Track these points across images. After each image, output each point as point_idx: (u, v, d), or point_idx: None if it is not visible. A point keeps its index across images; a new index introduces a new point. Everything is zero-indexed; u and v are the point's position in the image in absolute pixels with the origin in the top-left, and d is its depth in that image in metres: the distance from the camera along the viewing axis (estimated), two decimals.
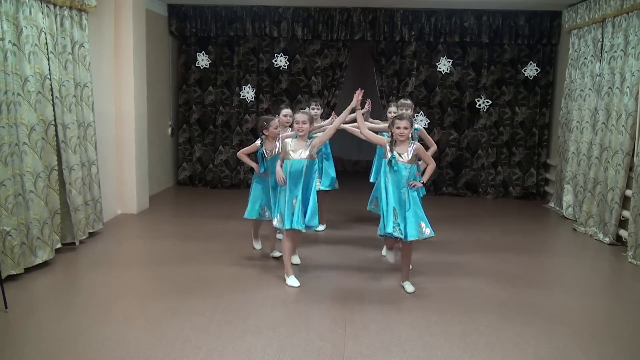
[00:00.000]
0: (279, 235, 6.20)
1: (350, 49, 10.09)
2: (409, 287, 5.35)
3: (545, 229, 8.29)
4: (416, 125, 6.00)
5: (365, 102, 5.89)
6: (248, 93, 10.16)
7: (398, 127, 5.13)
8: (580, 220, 7.95)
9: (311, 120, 5.44)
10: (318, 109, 7.08)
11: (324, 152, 7.01)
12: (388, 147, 5.22)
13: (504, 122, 10.05)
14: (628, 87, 6.86)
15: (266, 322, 4.54)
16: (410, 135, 5.25)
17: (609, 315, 5.00)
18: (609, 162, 7.23)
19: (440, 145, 10.08)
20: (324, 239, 7.09)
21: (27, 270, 5.51)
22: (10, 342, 4.15)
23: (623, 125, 6.89)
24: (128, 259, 6.29)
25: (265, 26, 9.93)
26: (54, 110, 5.96)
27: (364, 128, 5.41)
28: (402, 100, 6.47)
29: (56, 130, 6.02)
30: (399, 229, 5.08)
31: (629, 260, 6.40)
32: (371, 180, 6.97)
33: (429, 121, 9.97)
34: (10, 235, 5.26)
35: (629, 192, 6.75)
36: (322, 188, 6.88)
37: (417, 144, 5.26)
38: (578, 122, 8.35)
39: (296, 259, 6.01)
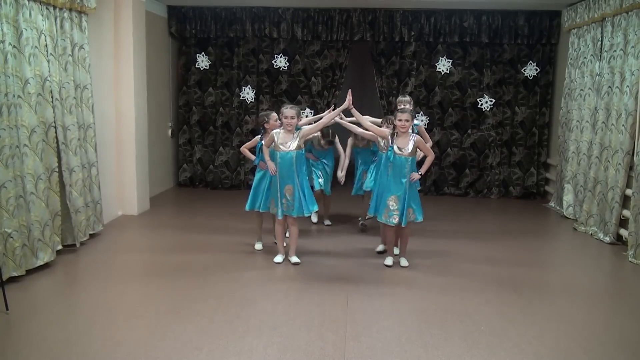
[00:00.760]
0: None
1: (350, 49, 10.10)
2: (403, 262, 6.04)
3: (545, 228, 8.29)
4: (415, 122, 6.39)
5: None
6: (248, 94, 10.16)
7: (400, 120, 5.61)
8: (581, 219, 7.95)
9: (298, 114, 5.91)
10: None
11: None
12: (389, 139, 5.75)
13: (504, 122, 10.06)
14: (628, 86, 6.87)
15: (267, 323, 4.55)
16: (410, 129, 5.78)
17: (609, 314, 5.00)
18: (609, 161, 7.23)
19: (441, 146, 10.11)
20: (324, 240, 7.10)
21: (28, 271, 5.52)
22: (12, 343, 4.16)
23: (623, 125, 6.90)
24: (129, 261, 6.29)
25: (265, 27, 9.93)
26: (54, 112, 5.97)
27: (366, 122, 5.98)
28: (400, 97, 6.91)
29: (56, 132, 6.03)
30: (395, 216, 5.73)
31: (630, 259, 6.41)
32: (366, 188, 7.04)
33: (429, 121, 9.98)
34: (11, 237, 5.27)
35: (629, 192, 6.75)
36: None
37: (417, 137, 5.76)
38: (578, 121, 8.35)
39: (295, 259, 6.09)
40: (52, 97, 5.93)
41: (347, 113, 6.19)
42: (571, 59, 8.81)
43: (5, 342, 4.18)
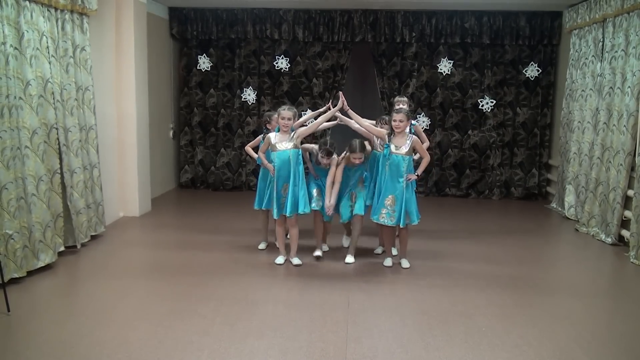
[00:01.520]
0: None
1: (351, 50, 10.10)
2: (405, 263, 6.07)
3: (547, 229, 8.28)
4: (412, 122, 6.36)
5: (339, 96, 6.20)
6: (249, 95, 10.17)
7: (394, 120, 5.70)
8: (582, 220, 7.94)
9: (295, 116, 5.89)
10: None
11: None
12: (386, 138, 5.80)
13: (505, 123, 10.05)
14: (629, 87, 6.86)
15: (268, 325, 4.55)
16: (408, 129, 5.84)
17: (611, 315, 5.00)
18: (610, 162, 7.23)
19: (442, 147, 10.11)
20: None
21: (30, 273, 5.53)
22: (13, 345, 4.16)
23: (624, 125, 6.89)
24: (130, 262, 6.30)
25: (266, 28, 9.94)
26: (55, 113, 5.97)
27: (363, 121, 6.03)
28: (397, 97, 6.91)
29: (58, 134, 6.03)
30: (393, 217, 5.76)
31: (631, 260, 6.40)
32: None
33: (430, 122, 9.98)
34: (12, 239, 5.27)
35: (630, 192, 6.75)
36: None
37: (414, 137, 5.80)
38: (579, 122, 8.35)
39: (296, 260, 6.11)
40: (53, 98, 5.94)
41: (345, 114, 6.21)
42: (572, 59, 8.81)
43: (7, 343, 4.18)
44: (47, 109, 5.85)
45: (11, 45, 5.30)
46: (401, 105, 6.43)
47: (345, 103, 6.00)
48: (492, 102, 9.89)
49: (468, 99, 10.02)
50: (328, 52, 10.08)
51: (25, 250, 5.45)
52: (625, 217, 6.93)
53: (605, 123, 7.49)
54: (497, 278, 5.78)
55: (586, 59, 8.27)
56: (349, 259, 6.21)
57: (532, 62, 9.83)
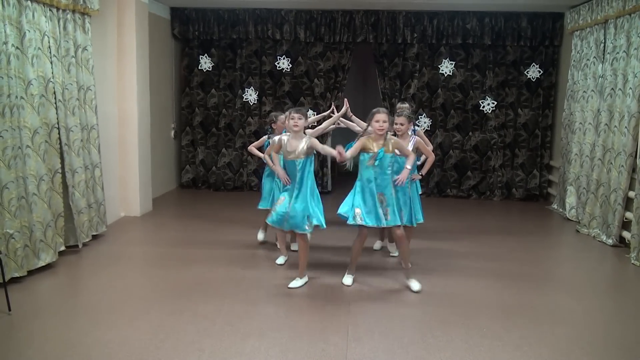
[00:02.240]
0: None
1: (353, 51, 10.10)
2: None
3: (548, 230, 8.27)
4: (416, 127, 6.33)
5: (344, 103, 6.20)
6: (251, 96, 10.17)
7: (395, 124, 5.68)
8: (584, 221, 7.94)
9: (305, 116, 5.36)
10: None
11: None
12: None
13: (507, 124, 10.05)
14: (630, 88, 6.86)
15: (269, 325, 4.55)
16: (410, 131, 5.79)
17: (612, 317, 4.99)
18: (611, 163, 7.22)
19: (443, 148, 10.11)
20: (326, 242, 7.08)
21: (31, 272, 5.53)
22: (14, 344, 4.16)
23: (626, 127, 6.89)
24: (131, 262, 6.30)
25: (268, 29, 9.94)
26: (57, 113, 5.98)
27: (356, 127, 6.08)
28: (399, 104, 6.90)
29: (59, 133, 6.04)
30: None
31: (632, 261, 6.39)
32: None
33: (431, 123, 9.98)
34: (13, 238, 5.28)
35: (632, 194, 6.74)
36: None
37: (417, 138, 5.74)
38: (581, 123, 8.34)
39: (295, 246, 6.35)
40: (55, 98, 5.95)
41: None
42: (574, 61, 8.81)
43: (8, 343, 4.18)
44: (48, 109, 5.85)
45: (13, 45, 5.31)
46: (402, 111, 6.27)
47: (349, 109, 5.94)
48: (493, 103, 9.89)
49: (469, 100, 10.01)
50: (329, 52, 10.08)
51: (26, 250, 5.46)
52: (626, 219, 6.93)
53: (606, 124, 7.49)
54: (498, 279, 5.78)
55: (588, 60, 8.27)
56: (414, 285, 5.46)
57: (533, 63, 9.83)
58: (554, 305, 5.12)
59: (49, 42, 5.84)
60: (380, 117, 5.19)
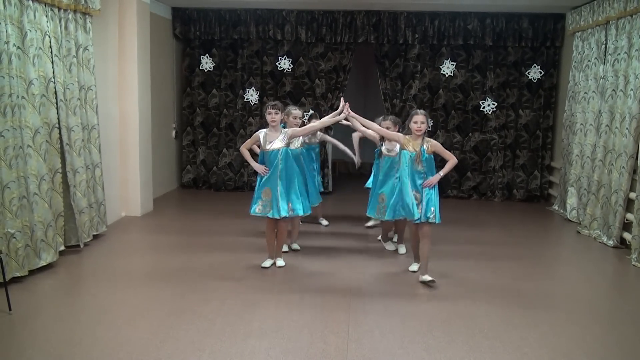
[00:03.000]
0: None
1: (354, 51, 10.09)
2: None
3: (549, 231, 8.27)
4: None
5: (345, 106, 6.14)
6: (252, 96, 10.17)
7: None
8: (584, 222, 7.93)
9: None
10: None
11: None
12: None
13: (508, 125, 10.05)
14: (632, 89, 6.85)
15: (269, 325, 4.55)
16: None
17: (612, 318, 4.99)
18: (612, 164, 7.22)
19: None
20: (327, 242, 7.09)
21: (31, 272, 5.53)
22: (15, 344, 4.17)
23: (627, 128, 6.88)
24: (132, 262, 6.30)
25: (269, 29, 9.94)
26: (58, 113, 5.99)
27: (374, 125, 6.01)
28: (417, 110, 6.50)
29: (60, 133, 6.05)
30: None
31: (633, 263, 6.39)
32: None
33: (432, 123, 9.97)
34: (14, 238, 5.28)
35: (632, 195, 6.74)
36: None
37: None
38: (582, 124, 8.34)
39: (295, 246, 6.56)
40: (56, 98, 5.95)
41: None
42: (575, 62, 8.81)
43: (9, 342, 4.19)
44: (49, 109, 5.86)
45: (14, 45, 5.31)
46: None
47: (349, 111, 5.91)
48: (493, 104, 9.89)
49: (469, 101, 10.01)
50: (331, 53, 10.08)
51: (27, 250, 5.46)
52: (627, 220, 6.92)
53: (607, 125, 7.48)
54: (499, 280, 5.78)
55: (589, 61, 8.26)
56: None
57: (534, 64, 9.83)
58: (554, 306, 5.12)
59: (50, 41, 5.85)
60: (419, 118, 5.50)
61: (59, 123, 6.00)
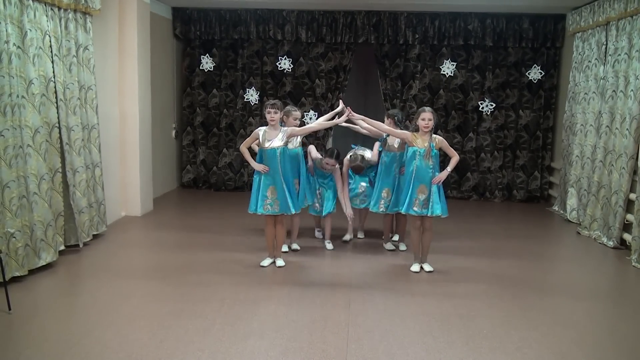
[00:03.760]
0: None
1: (354, 51, 10.09)
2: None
3: (549, 232, 8.27)
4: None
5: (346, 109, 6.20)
6: (252, 96, 10.17)
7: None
8: (584, 223, 7.93)
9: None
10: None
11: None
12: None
13: (508, 125, 10.04)
14: (632, 90, 6.85)
15: (269, 325, 4.55)
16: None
17: (612, 319, 4.98)
18: (613, 165, 7.21)
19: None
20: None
21: (31, 272, 5.53)
22: (14, 343, 4.17)
23: (627, 129, 6.88)
24: (131, 262, 6.30)
25: (270, 29, 9.94)
26: (58, 112, 5.98)
27: (383, 126, 6.17)
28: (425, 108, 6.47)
29: (60, 133, 6.04)
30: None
31: (633, 264, 6.38)
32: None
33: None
34: (14, 237, 5.28)
35: (633, 196, 6.73)
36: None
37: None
38: (582, 125, 8.34)
39: (295, 246, 6.54)
40: (56, 97, 5.95)
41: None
42: (575, 62, 8.80)
43: (8, 342, 4.18)
44: (49, 108, 5.86)
45: (14, 44, 5.31)
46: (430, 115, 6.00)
47: (350, 113, 6.01)
48: (491, 105, 9.89)
49: (469, 101, 10.01)
50: (331, 53, 10.08)
51: (26, 249, 5.45)
52: (627, 221, 6.92)
53: (607, 126, 7.48)
54: (499, 280, 5.78)
55: (589, 62, 8.26)
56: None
57: (535, 65, 9.83)
58: (554, 306, 5.12)
59: (50, 41, 5.85)
60: (426, 115, 5.72)
61: (59, 123, 6.00)
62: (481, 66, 9.95)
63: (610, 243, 7.09)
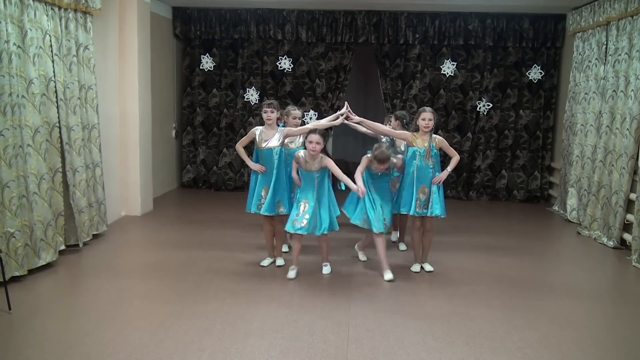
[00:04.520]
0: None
1: (354, 51, 10.09)
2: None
3: (549, 232, 8.27)
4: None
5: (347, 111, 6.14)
6: (252, 95, 10.17)
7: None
8: (585, 223, 7.93)
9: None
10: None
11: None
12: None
13: (508, 125, 10.04)
14: (632, 90, 6.85)
15: (269, 325, 4.54)
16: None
17: (612, 319, 4.98)
18: (613, 165, 7.21)
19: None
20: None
21: (31, 271, 5.53)
22: (14, 343, 4.16)
23: (627, 129, 6.88)
24: (131, 261, 6.29)
25: (270, 29, 9.94)
26: (58, 112, 5.98)
27: (381, 127, 6.13)
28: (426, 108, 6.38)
29: (60, 132, 6.04)
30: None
31: (633, 264, 6.39)
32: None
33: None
34: (14, 237, 5.28)
35: (633, 196, 6.74)
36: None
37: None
38: (582, 125, 8.34)
39: (279, 261, 6.21)
40: (56, 97, 5.94)
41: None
42: (576, 62, 8.80)
43: (8, 342, 4.18)
44: (49, 108, 5.85)
45: (14, 44, 5.30)
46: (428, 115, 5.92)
47: (351, 115, 6.01)
48: (488, 105, 9.89)
49: (468, 101, 10.01)
50: (331, 52, 10.08)
51: (26, 249, 5.45)
52: (627, 221, 6.92)
53: (608, 126, 7.48)
54: (499, 280, 5.78)
55: (589, 61, 8.26)
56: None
57: (535, 65, 9.83)
58: (555, 307, 5.12)
59: (50, 40, 5.84)
60: (426, 115, 5.72)
61: (59, 122, 6.00)
62: (481, 66, 9.95)
63: (611, 243, 7.09)
